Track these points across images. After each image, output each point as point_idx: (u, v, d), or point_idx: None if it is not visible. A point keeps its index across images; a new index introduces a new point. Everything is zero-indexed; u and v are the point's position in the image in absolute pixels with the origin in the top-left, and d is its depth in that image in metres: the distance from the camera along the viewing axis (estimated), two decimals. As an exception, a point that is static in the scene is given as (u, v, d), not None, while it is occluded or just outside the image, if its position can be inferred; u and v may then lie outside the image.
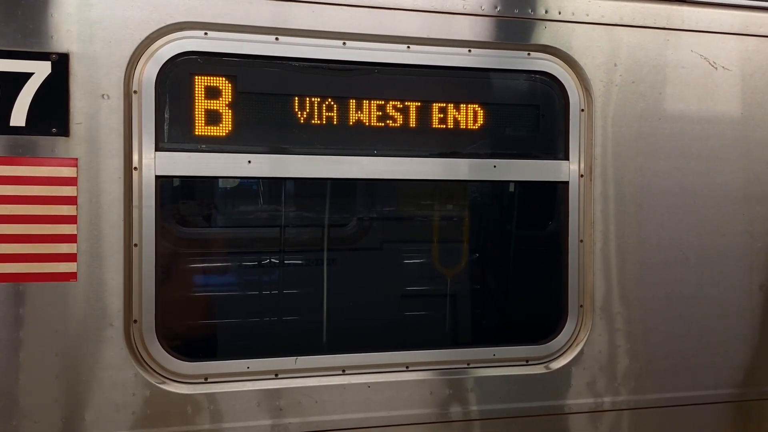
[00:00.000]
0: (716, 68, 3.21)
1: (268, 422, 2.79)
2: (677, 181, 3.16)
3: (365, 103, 2.91)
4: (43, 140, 2.54)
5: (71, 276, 2.59)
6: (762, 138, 3.27)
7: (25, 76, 2.51)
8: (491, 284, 3.61)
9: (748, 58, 3.25)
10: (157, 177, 2.68)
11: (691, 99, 3.18)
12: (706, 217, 3.21)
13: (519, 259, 3.48)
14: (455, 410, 2.98)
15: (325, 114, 2.88)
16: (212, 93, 2.76)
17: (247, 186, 3.65)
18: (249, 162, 2.79)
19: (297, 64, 2.86)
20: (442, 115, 2.98)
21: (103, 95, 2.59)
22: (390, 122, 2.93)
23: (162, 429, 2.69)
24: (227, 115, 2.77)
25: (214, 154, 2.76)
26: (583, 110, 3.08)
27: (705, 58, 3.20)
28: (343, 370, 2.90)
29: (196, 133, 2.75)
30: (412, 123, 2.95)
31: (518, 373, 3.05)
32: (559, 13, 3.03)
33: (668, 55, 3.16)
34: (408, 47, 2.92)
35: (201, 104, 2.74)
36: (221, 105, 2.76)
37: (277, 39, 2.79)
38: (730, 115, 3.23)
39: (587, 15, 3.06)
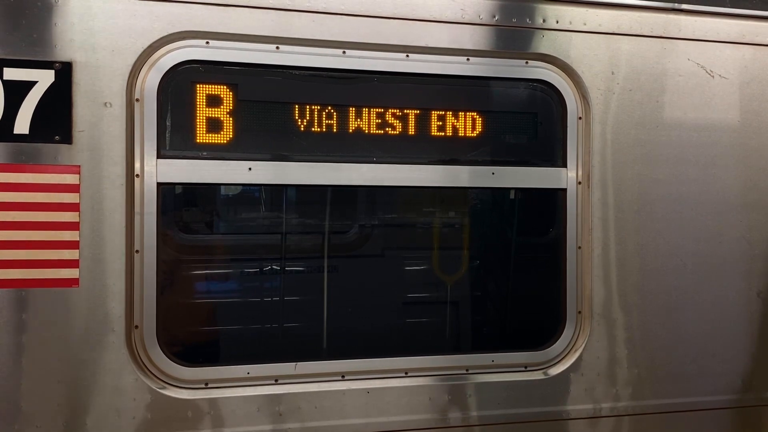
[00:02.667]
0: (713, 76, 3.23)
1: (268, 427, 2.80)
2: (675, 188, 3.18)
3: (365, 110, 2.93)
4: (46, 148, 2.57)
5: (73, 282, 2.60)
6: (759, 145, 3.29)
7: (29, 85, 2.54)
8: (491, 290, 3.62)
9: (744, 66, 3.27)
10: (159, 184, 2.70)
11: (689, 107, 3.20)
12: (703, 224, 3.22)
13: (518, 265, 3.48)
14: (454, 416, 2.99)
15: (325, 122, 2.90)
16: (213, 101, 2.78)
17: (248, 193, 3.67)
18: (250, 169, 2.81)
19: (297, 72, 2.88)
20: (441, 123, 3.00)
21: (105, 103, 2.62)
22: (389, 130, 2.95)
23: (162, 434, 2.70)
24: (228, 123, 2.80)
25: (215, 161, 2.78)
26: (580, 118, 3.11)
27: (702, 67, 3.22)
28: (343, 376, 2.91)
29: (198, 140, 2.77)
30: (412, 130, 2.97)
31: (517, 379, 3.06)
32: (557, 22, 3.06)
33: (665, 64, 3.18)
34: (407, 56, 2.94)
35: (202, 112, 2.77)
36: (222, 113, 2.79)
37: (277, 48, 2.82)
38: (727, 123, 3.25)
39: (585, 24, 3.09)
